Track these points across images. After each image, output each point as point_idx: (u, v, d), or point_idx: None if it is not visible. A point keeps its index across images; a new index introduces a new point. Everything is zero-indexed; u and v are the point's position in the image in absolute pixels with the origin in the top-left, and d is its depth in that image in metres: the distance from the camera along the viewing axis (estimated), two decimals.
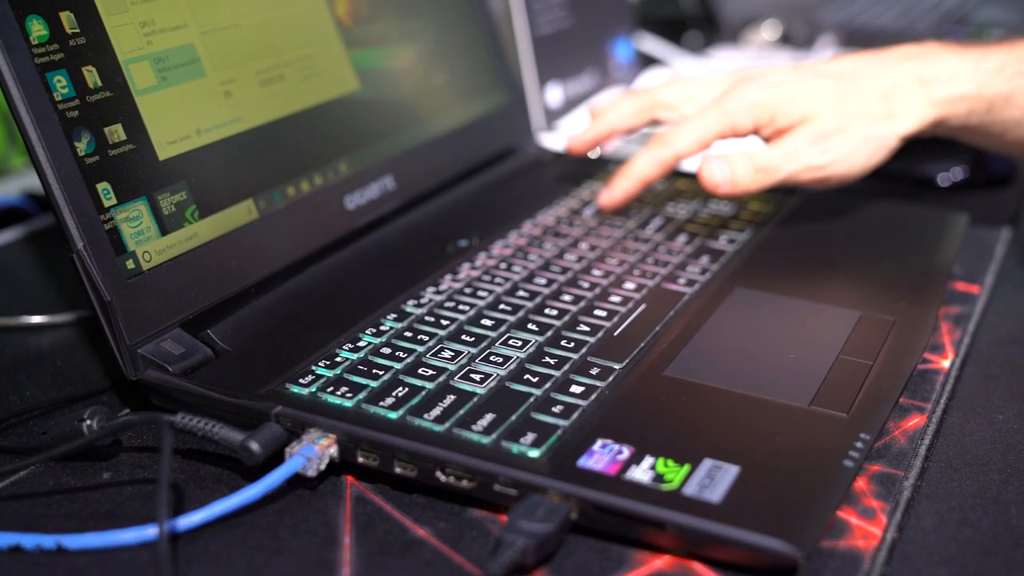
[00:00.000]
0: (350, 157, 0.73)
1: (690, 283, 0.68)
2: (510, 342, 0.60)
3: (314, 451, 0.51)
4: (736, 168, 0.72)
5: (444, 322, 0.62)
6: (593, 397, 0.55)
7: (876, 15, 1.45)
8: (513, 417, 0.53)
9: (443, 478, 0.50)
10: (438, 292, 0.65)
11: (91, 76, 0.57)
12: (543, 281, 0.67)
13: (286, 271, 0.66)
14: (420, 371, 0.56)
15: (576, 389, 0.55)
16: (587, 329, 0.61)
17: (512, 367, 0.57)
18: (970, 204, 0.86)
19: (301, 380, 0.55)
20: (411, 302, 0.64)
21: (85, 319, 0.70)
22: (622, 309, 0.64)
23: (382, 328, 0.61)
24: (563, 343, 0.60)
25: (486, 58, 0.89)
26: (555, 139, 1.01)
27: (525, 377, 0.56)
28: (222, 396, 0.55)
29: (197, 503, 0.51)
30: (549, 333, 0.61)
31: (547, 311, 0.63)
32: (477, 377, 0.56)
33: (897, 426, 0.57)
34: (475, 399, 0.54)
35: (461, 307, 0.63)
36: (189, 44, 0.63)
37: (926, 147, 0.92)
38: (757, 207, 0.80)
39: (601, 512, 0.47)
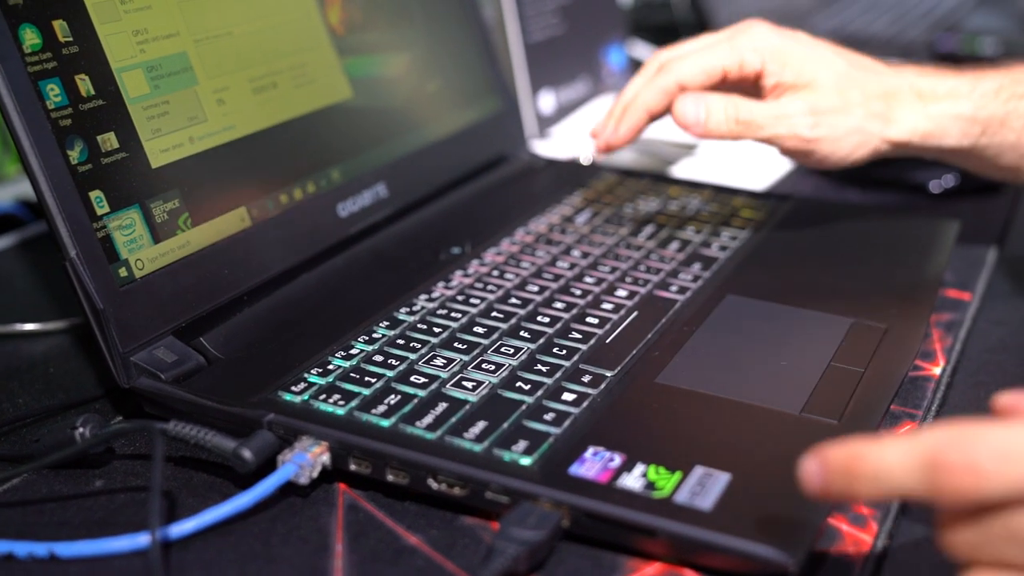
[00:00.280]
0: (343, 165, 0.73)
1: (682, 290, 0.68)
2: (502, 349, 0.60)
3: (306, 459, 0.51)
4: (713, 111, 0.70)
5: (436, 329, 0.62)
6: (585, 404, 0.55)
7: (868, 22, 1.46)
8: (505, 425, 0.53)
9: (435, 486, 0.50)
10: (430, 300, 0.65)
11: (84, 84, 0.57)
12: (535, 288, 0.67)
13: (279, 279, 0.66)
14: (412, 379, 0.57)
15: (568, 396, 0.55)
16: (579, 336, 0.62)
17: (504, 375, 0.57)
18: (961, 211, 0.86)
19: (293, 388, 0.55)
20: (403, 309, 0.64)
21: (78, 326, 0.71)
22: (614, 316, 0.64)
23: (374, 336, 0.61)
24: (555, 350, 0.60)
25: (479, 65, 0.90)
26: (548, 146, 1.01)
27: (517, 385, 0.56)
28: (214, 404, 0.55)
29: (190, 511, 0.51)
30: (541, 340, 0.61)
31: (539, 318, 0.64)
32: (469, 385, 0.56)
33: (889, 433, 0.57)
34: (467, 407, 0.54)
35: (453, 314, 0.64)
36: (182, 52, 0.63)
37: None
38: (749, 214, 0.81)
39: (593, 520, 0.48)
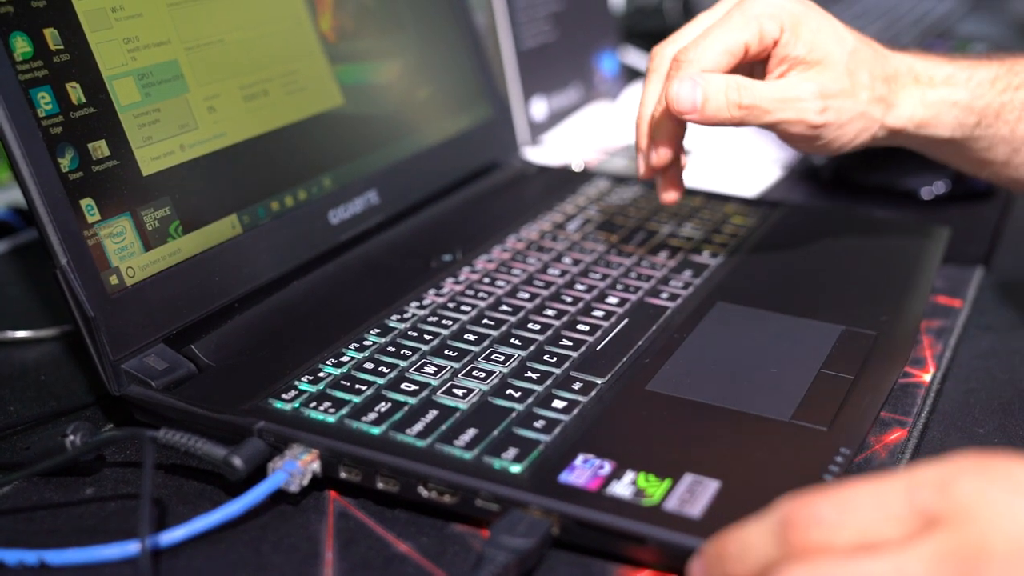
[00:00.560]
0: (334, 172, 0.73)
1: (673, 297, 0.68)
2: (493, 357, 0.60)
3: (297, 466, 0.51)
4: (712, 95, 0.63)
5: (427, 337, 0.62)
6: (575, 412, 0.55)
7: (860, 28, 1.45)
8: (495, 432, 0.53)
9: (425, 493, 0.51)
10: (421, 307, 0.65)
11: (75, 92, 0.57)
12: (526, 295, 0.67)
13: (270, 286, 0.66)
14: (403, 386, 0.57)
15: (558, 404, 0.56)
16: (570, 344, 0.62)
17: (495, 382, 0.57)
18: (952, 218, 0.86)
19: (284, 395, 0.55)
20: (394, 317, 0.64)
21: (69, 334, 0.70)
22: (605, 324, 0.64)
23: (365, 343, 0.61)
24: (546, 358, 0.60)
25: (471, 72, 0.90)
26: (540, 153, 1.01)
27: (507, 392, 0.56)
28: (205, 411, 0.55)
29: (180, 518, 0.51)
30: (532, 348, 0.61)
31: (530, 326, 0.64)
32: (460, 392, 0.56)
33: (878, 440, 0.57)
34: (457, 414, 0.54)
35: (444, 322, 0.64)
36: (173, 60, 0.63)
37: (909, 161, 0.92)
38: (740, 220, 0.81)
39: (582, 527, 0.48)
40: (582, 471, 0.50)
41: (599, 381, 0.58)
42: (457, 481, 0.50)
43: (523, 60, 1.04)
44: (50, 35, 0.57)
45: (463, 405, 0.55)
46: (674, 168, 0.71)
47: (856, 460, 0.55)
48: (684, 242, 0.77)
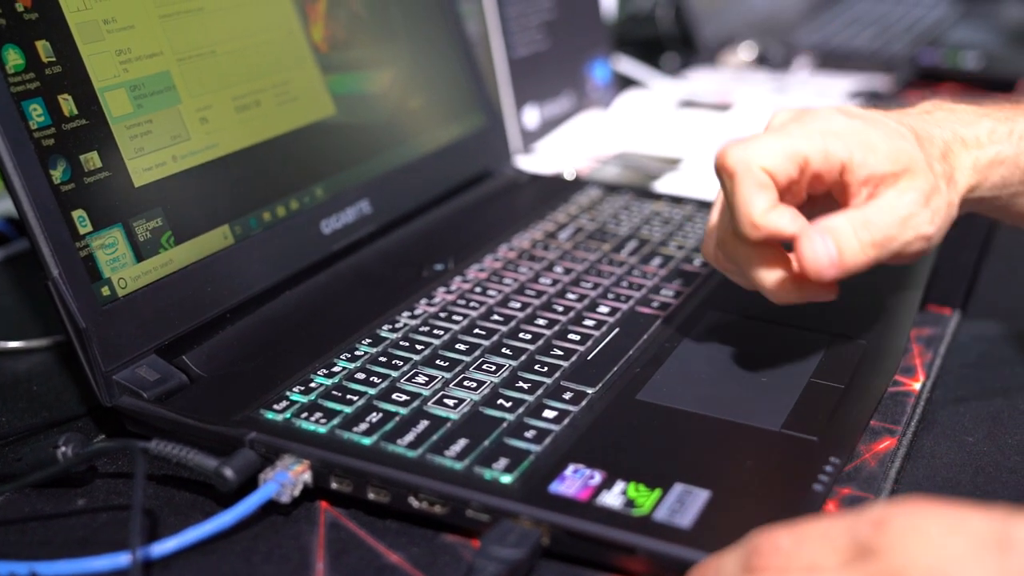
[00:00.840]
0: (326, 182, 0.73)
1: (664, 307, 0.68)
2: (484, 367, 0.60)
3: (288, 477, 0.51)
4: (845, 242, 0.54)
5: (419, 347, 0.62)
6: (566, 422, 0.55)
7: (851, 36, 1.46)
8: (486, 442, 0.53)
9: (416, 504, 0.51)
10: (413, 317, 0.66)
11: (67, 104, 0.57)
12: (518, 305, 0.68)
13: (262, 296, 0.66)
14: (394, 396, 0.57)
15: (549, 414, 0.56)
16: (561, 353, 0.62)
17: (486, 392, 0.58)
18: None
19: (275, 406, 0.56)
20: (386, 327, 0.64)
21: (61, 344, 0.71)
22: (596, 333, 0.64)
23: (357, 353, 0.61)
24: (537, 367, 0.60)
25: (463, 81, 0.90)
26: (533, 161, 1.01)
27: (498, 402, 0.57)
28: (196, 422, 0.55)
29: (172, 529, 0.51)
30: (523, 358, 0.61)
31: (521, 335, 0.64)
32: (451, 402, 0.56)
33: (868, 449, 0.57)
34: (448, 424, 0.54)
35: (436, 332, 0.64)
36: (165, 71, 0.63)
37: None
38: None
39: (572, 537, 0.48)
40: (572, 481, 0.50)
41: (590, 391, 0.58)
42: (447, 492, 0.50)
43: (515, 68, 1.05)
44: (42, 47, 0.57)
45: (454, 415, 0.55)
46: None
47: (846, 469, 0.55)
48: (675, 251, 0.77)
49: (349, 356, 0.61)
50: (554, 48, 1.12)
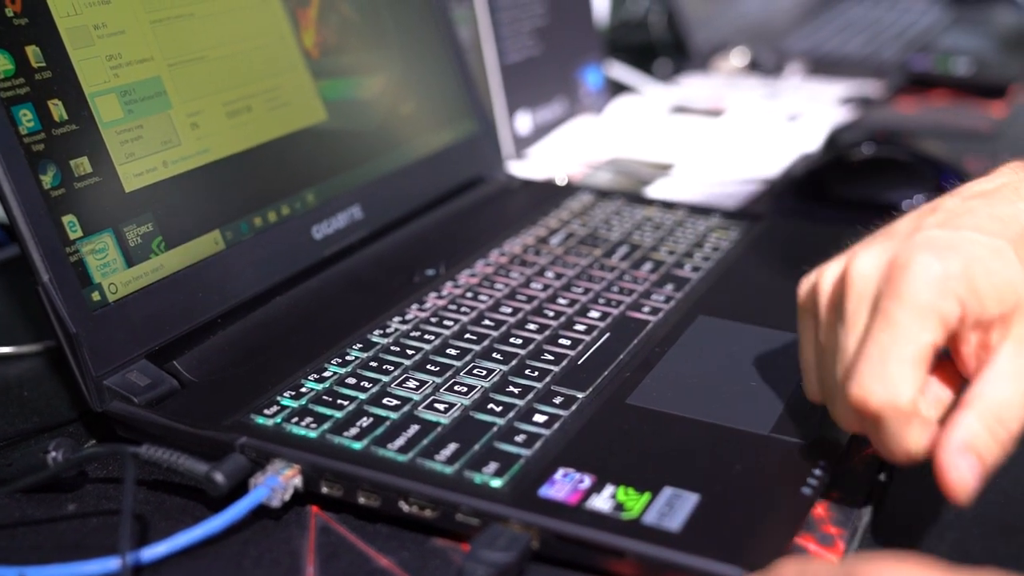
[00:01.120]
0: (317, 187, 0.73)
1: (654, 311, 0.68)
2: (475, 371, 0.60)
3: (278, 482, 0.52)
4: (983, 448, 0.47)
5: (410, 352, 0.62)
6: (556, 426, 0.55)
7: (843, 42, 1.47)
8: (476, 447, 0.53)
9: (406, 508, 0.51)
10: (404, 322, 0.66)
11: (57, 109, 0.58)
12: (509, 310, 0.68)
13: (253, 301, 0.66)
14: (385, 401, 0.57)
15: (539, 418, 0.56)
16: (551, 358, 0.62)
17: (476, 396, 0.58)
18: None
19: (266, 411, 0.56)
20: (377, 332, 0.64)
21: (52, 349, 0.70)
22: (586, 338, 0.65)
23: (348, 358, 0.61)
24: (527, 372, 0.60)
25: (455, 86, 0.90)
26: (525, 167, 1.01)
27: (489, 406, 0.57)
28: (187, 427, 0.55)
29: (162, 534, 0.51)
30: (514, 362, 0.61)
31: (512, 340, 0.64)
32: (441, 407, 0.56)
33: (856, 453, 0.58)
34: (439, 429, 0.55)
35: (427, 336, 0.64)
36: (156, 76, 0.64)
37: (890, 174, 0.93)
38: (722, 234, 0.81)
39: (562, 541, 0.48)
40: (562, 485, 0.50)
41: (580, 395, 0.58)
42: (437, 496, 0.50)
43: (507, 74, 1.05)
44: (32, 53, 0.57)
45: (444, 420, 0.55)
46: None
47: (835, 473, 0.55)
48: (666, 256, 0.77)
49: (340, 361, 0.61)
50: (547, 54, 1.12)
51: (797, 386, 0.59)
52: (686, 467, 0.52)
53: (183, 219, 0.63)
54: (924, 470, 0.57)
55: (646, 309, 0.69)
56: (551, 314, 0.67)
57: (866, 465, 0.57)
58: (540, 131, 1.09)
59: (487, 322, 0.66)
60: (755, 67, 1.40)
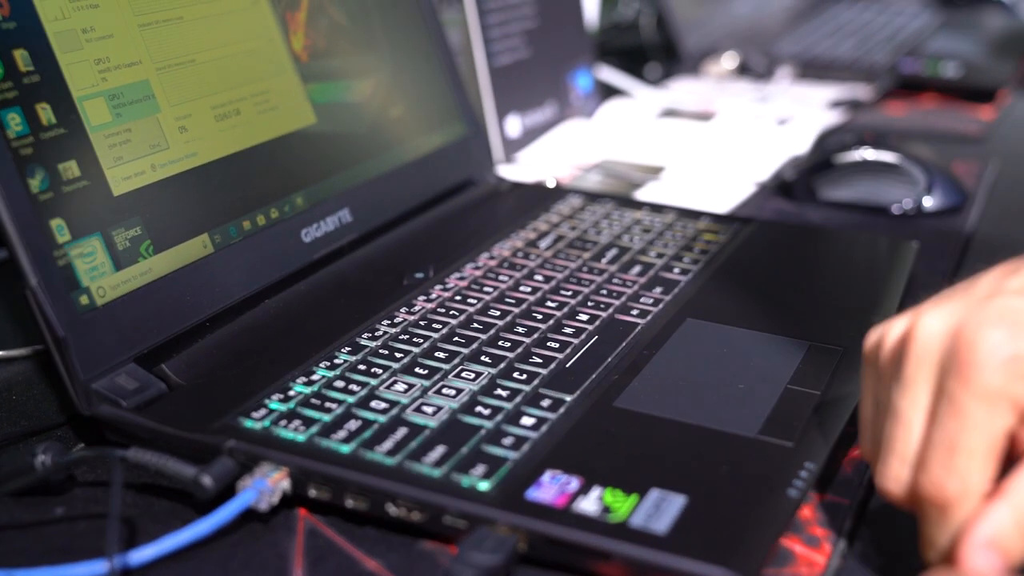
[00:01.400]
0: (306, 190, 0.73)
1: (643, 314, 0.68)
2: (463, 374, 0.60)
3: (266, 484, 0.52)
4: (1010, 545, 0.44)
5: (398, 355, 0.62)
6: (544, 429, 0.55)
7: (832, 46, 1.47)
8: (464, 449, 0.53)
9: (394, 511, 0.51)
10: (392, 325, 0.66)
11: (45, 113, 0.58)
12: (497, 313, 0.68)
13: (241, 305, 0.66)
14: (373, 404, 0.57)
15: (527, 421, 0.56)
16: (539, 361, 0.62)
17: (464, 399, 0.58)
18: (922, 232, 0.87)
19: (254, 414, 0.56)
20: (366, 335, 0.64)
21: (41, 353, 0.70)
22: (575, 341, 0.65)
23: (336, 361, 0.61)
24: (515, 375, 0.60)
25: (444, 89, 0.90)
26: (515, 170, 1.02)
27: (477, 409, 0.57)
28: (175, 431, 0.55)
29: (150, 537, 0.51)
30: (502, 365, 0.61)
31: (500, 343, 0.64)
32: (429, 410, 0.57)
33: (843, 454, 0.58)
34: (427, 432, 0.55)
35: (415, 339, 0.64)
36: (144, 80, 0.64)
37: (879, 176, 0.93)
38: (711, 237, 0.81)
39: (549, 544, 0.48)
40: (549, 488, 0.50)
41: (568, 398, 0.58)
42: (425, 498, 0.50)
43: (497, 77, 1.05)
44: (20, 56, 0.57)
45: (432, 423, 0.55)
46: None
47: (821, 475, 0.55)
48: (655, 259, 0.77)
49: (328, 364, 0.61)
50: (537, 57, 1.12)
51: (785, 388, 0.60)
52: (673, 469, 0.52)
53: (171, 223, 0.63)
54: None
55: (634, 312, 0.69)
56: (540, 317, 0.68)
57: (853, 467, 0.57)
58: (530, 134, 1.09)
59: (476, 325, 0.66)
60: (745, 71, 1.40)
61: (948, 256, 0.84)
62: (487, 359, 0.62)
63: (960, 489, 0.44)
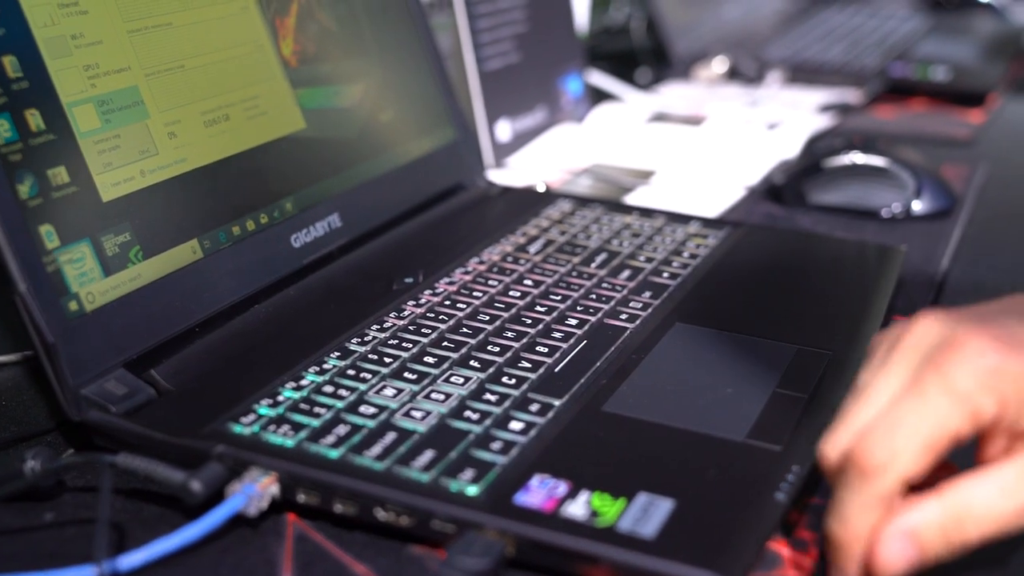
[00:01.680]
0: (296, 195, 0.73)
1: (631, 318, 0.69)
2: (452, 379, 0.60)
3: (255, 490, 0.52)
4: (927, 542, 0.45)
5: (387, 360, 0.62)
6: (532, 433, 0.55)
7: (822, 50, 1.48)
8: (452, 454, 0.53)
9: (383, 516, 0.51)
10: (382, 329, 0.66)
11: (34, 119, 0.58)
12: (486, 317, 0.68)
13: (231, 310, 0.66)
14: (362, 409, 0.57)
15: (516, 425, 0.56)
16: (528, 365, 0.62)
17: (453, 404, 0.58)
18: (911, 236, 0.87)
19: (243, 419, 0.56)
20: (355, 340, 0.64)
21: (30, 358, 0.70)
22: (564, 345, 0.65)
23: (325, 366, 0.61)
24: (504, 379, 0.61)
25: (434, 94, 0.90)
26: (505, 175, 1.02)
27: (465, 414, 0.57)
28: (164, 436, 0.55)
29: (139, 543, 0.51)
30: (491, 369, 0.62)
31: (490, 348, 0.64)
32: (418, 415, 0.57)
33: None
34: (415, 436, 0.55)
35: (405, 344, 0.64)
36: (133, 86, 0.64)
37: (868, 180, 0.94)
38: (701, 241, 0.82)
39: (536, 548, 0.48)
40: (537, 492, 0.51)
41: (556, 402, 0.59)
42: (413, 503, 0.50)
43: (487, 82, 1.05)
44: (8, 62, 0.57)
45: (421, 428, 0.56)
46: None
47: (809, 478, 0.56)
48: (644, 263, 0.77)
49: (318, 369, 0.61)
50: (527, 61, 1.12)
51: (773, 392, 0.60)
52: (661, 473, 0.53)
53: (161, 228, 0.63)
54: None
55: (623, 316, 0.69)
56: (529, 321, 0.68)
57: None
58: (520, 139, 1.10)
59: (465, 330, 0.66)
60: (736, 75, 1.40)
61: (937, 258, 0.84)
62: (476, 364, 0.62)
63: (886, 460, 0.45)
